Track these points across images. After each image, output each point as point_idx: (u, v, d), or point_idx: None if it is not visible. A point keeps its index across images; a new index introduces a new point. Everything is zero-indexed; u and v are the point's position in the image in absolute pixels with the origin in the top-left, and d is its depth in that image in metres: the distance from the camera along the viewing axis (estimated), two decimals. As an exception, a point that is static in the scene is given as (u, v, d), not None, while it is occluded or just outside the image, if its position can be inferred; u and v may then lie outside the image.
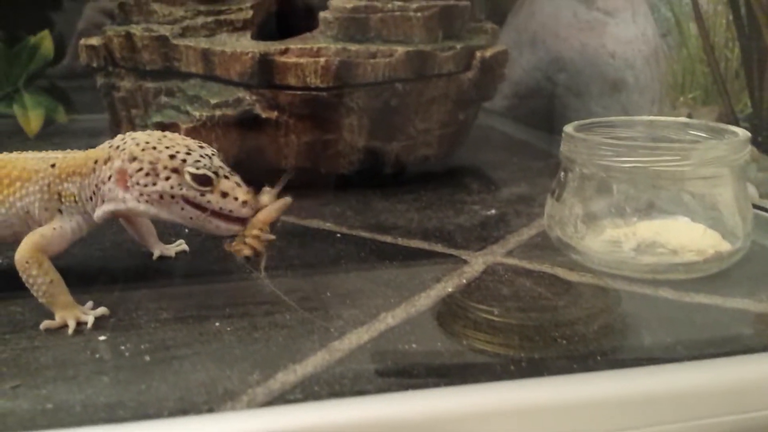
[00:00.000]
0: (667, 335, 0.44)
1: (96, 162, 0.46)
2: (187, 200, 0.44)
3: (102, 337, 0.44)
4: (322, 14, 0.72)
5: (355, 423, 0.36)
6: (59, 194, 0.47)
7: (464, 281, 0.52)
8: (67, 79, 1.12)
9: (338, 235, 0.62)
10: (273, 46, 0.69)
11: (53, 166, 0.47)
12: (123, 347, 0.42)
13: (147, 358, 0.41)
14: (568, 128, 0.57)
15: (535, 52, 1.00)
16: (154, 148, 0.44)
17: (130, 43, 0.73)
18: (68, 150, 0.50)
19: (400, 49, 0.70)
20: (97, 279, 0.52)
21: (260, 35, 0.74)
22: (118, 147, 0.45)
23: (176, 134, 0.46)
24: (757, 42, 0.68)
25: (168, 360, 0.41)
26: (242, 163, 0.71)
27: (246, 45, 0.70)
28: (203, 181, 0.43)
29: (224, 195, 0.44)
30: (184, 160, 0.43)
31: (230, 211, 0.44)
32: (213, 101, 0.69)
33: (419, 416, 0.36)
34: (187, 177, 0.43)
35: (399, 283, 0.51)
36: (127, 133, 0.47)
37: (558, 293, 0.50)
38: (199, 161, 0.43)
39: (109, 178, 0.45)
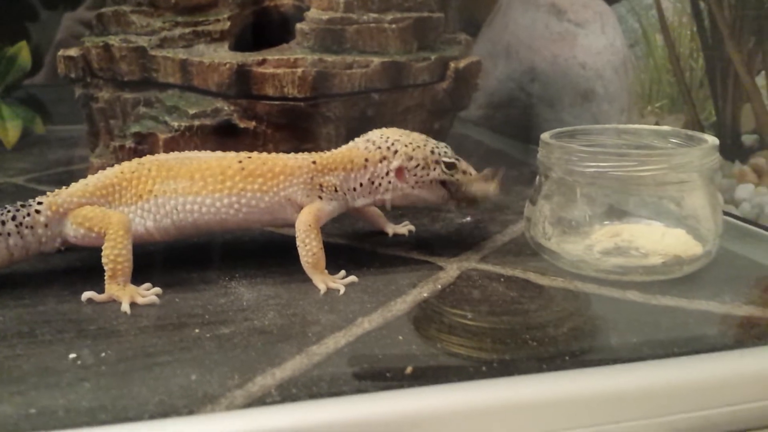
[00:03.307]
0: (633, 336, 0.45)
1: (367, 160, 0.57)
2: (442, 182, 0.57)
3: (82, 345, 0.44)
4: (298, 26, 0.73)
5: (332, 423, 0.37)
6: (321, 185, 0.56)
7: (439, 287, 0.53)
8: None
9: (316, 242, 0.63)
10: (250, 57, 0.70)
11: (314, 162, 0.57)
12: (104, 354, 0.43)
13: (128, 364, 0.42)
14: (545, 135, 0.59)
15: (509, 62, 1.02)
16: (419, 147, 0.58)
17: (108, 53, 0.74)
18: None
19: (376, 60, 0.72)
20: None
21: (237, 46, 0.75)
22: (388, 148, 0.57)
23: (413, 132, 0.60)
24: (720, 52, 0.71)
25: (149, 366, 0.41)
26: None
27: (224, 56, 0.71)
28: (451, 166, 0.58)
29: (464, 172, 0.58)
30: (440, 153, 0.58)
31: (469, 181, 0.58)
32: (191, 111, 0.69)
33: (394, 415, 0.37)
34: (443, 166, 0.57)
35: (376, 289, 0.52)
36: (381, 132, 0.59)
37: (530, 297, 0.51)
38: (446, 152, 0.58)
39: (387, 174, 0.57)
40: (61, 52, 0.77)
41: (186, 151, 0.58)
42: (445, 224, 0.68)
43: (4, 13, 1.21)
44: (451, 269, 0.56)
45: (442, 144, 0.60)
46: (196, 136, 0.69)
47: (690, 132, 0.59)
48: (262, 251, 0.62)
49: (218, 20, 0.75)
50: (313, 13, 0.73)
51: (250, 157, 0.56)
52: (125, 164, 0.56)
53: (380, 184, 0.58)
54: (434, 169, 0.57)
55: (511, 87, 1.02)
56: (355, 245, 0.63)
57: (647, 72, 0.80)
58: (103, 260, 0.51)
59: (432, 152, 0.58)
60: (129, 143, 0.71)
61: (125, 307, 0.49)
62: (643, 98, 0.81)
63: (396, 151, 0.57)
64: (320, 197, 0.56)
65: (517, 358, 0.42)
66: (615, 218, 0.59)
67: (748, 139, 0.68)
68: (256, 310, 0.49)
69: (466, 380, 0.40)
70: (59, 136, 1.09)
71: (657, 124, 0.79)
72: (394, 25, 0.74)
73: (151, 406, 0.37)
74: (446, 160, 0.58)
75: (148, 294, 0.51)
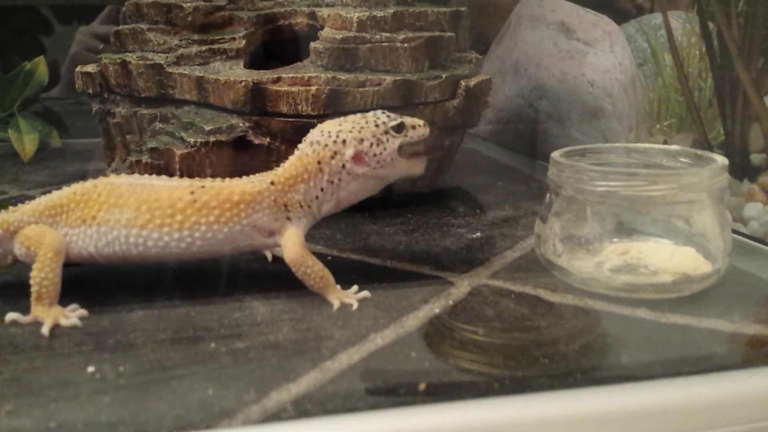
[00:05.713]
0: (643, 354, 0.46)
1: (320, 163, 0.55)
2: (400, 148, 0.56)
3: (101, 358, 0.45)
4: (312, 44, 0.75)
5: (347, 439, 0.38)
6: (285, 205, 0.55)
7: (451, 303, 0.54)
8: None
9: (329, 257, 0.64)
10: (265, 75, 0.71)
11: (272, 183, 0.55)
12: (122, 368, 0.44)
13: (145, 378, 0.43)
14: (555, 154, 0.59)
15: (517, 80, 1.03)
16: (363, 127, 0.55)
17: (125, 70, 0.75)
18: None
19: (388, 78, 0.73)
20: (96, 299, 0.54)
21: (252, 64, 0.77)
22: (335, 141, 0.55)
23: (347, 116, 0.57)
24: (729, 72, 0.71)
25: (166, 380, 0.42)
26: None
27: (239, 73, 0.72)
28: (400, 127, 0.56)
29: (414, 127, 0.57)
30: (384, 123, 0.56)
31: (423, 134, 0.58)
32: (207, 128, 0.71)
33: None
34: (392, 132, 0.55)
35: (388, 305, 0.53)
36: (320, 130, 0.56)
37: (540, 314, 0.52)
38: (388, 117, 0.56)
39: (343, 167, 0.55)
40: (78, 69, 0.79)
41: (146, 175, 0.56)
42: (455, 239, 0.69)
43: (21, 27, 1.24)
44: (462, 285, 0.57)
45: (378, 112, 0.57)
46: (212, 152, 0.71)
47: (699, 152, 0.60)
48: (276, 265, 0.62)
49: (234, 38, 0.76)
50: (326, 32, 0.74)
51: (203, 187, 0.53)
52: (81, 184, 0.55)
53: (340, 180, 0.56)
54: (388, 141, 0.55)
55: (519, 103, 1.03)
56: (367, 260, 0.64)
57: (656, 91, 0.81)
58: (30, 281, 0.50)
59: (377, 125, 0.56)
60: (145, 158, 0.72)
61: (45, 329, 0.48)
62: (651, 117, 0.82)
63: (344, 141, 0.55)
64: (288, 218, 0.55)
65: (529, 375, 0.43)
66: (624, 236, 0.59)
67: (756, 159, 0.69)
68: (271, 324, 0.50)
69: (478, 397, 0.40)
70: (75, 150, 1.11)
71: (665, 142, 0.80)
72: (406, 45, 0.75)
73: (169, 420, 0.38)
74: (393, 124, 0.56)
75: (72, 315, 0.50)
